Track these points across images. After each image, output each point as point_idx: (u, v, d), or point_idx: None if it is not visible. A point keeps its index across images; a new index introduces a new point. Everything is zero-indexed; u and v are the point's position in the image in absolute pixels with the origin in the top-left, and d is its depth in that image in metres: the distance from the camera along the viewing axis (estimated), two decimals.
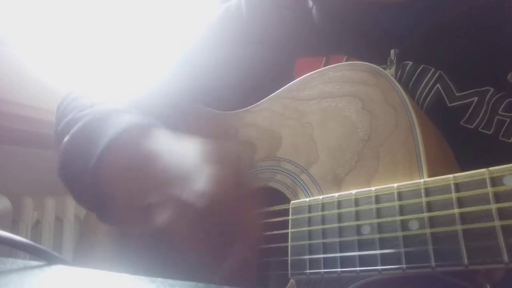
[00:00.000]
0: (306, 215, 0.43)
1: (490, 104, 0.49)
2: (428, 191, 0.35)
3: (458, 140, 0.47)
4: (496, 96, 0.49)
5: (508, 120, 0.48)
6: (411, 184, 0.37)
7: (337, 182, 0.44)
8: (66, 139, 0.46)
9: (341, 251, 0.39)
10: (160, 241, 0.34)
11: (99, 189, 0.43)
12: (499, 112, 0.49)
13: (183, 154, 0.40)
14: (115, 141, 0.43)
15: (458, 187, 0.34)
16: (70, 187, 0.49)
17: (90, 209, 0.47)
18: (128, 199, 0.39)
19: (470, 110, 0.50)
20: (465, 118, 0.50)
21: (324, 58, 0.59)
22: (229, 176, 0.37)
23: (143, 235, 0.35)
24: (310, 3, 0.65)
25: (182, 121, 0.67)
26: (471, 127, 0.50)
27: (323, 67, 0.53)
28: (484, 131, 0.49)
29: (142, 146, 0.42)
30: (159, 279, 0.25)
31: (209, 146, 0.40)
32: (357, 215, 0.39)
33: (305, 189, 0.46)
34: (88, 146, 0.44)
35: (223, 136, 0.60)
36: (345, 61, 0.56)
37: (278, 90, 0.55)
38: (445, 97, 0.51)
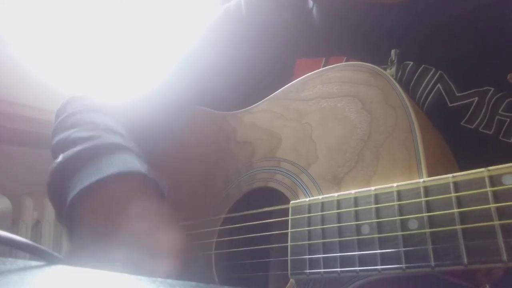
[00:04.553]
0: (306, 215, 0.43)
1: (491, 104, 0.49)
2: (427, 191, 0.35)
3: (458, 140, 0.47)
4: (496, 96, 0.49)
5: (508, 120, 0.48)
6: (411, 183, 0.37)
7: (337, 182, 0.44)
8: (58, 159, 0.48)
9: (340, 251, 0.39)
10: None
11: (72, 220, 0.46)
12: (499, 112, 0.49)
13: (157, 221, 0.44)
14: (99, 183, 0.44)
15: (457, 186, 0.34)
16: (52, 203, 0.52)
17: (65, 229, 0.49)
18: (92, 240, 0.42)
19: (471, 110, 0.50)
20: (466, 118, 0.50)
21: (324, 58, 0.59)
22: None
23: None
24: (310, 4, 0.65)
25: (182, 121, 0.68)
26: (472, 127, 0.50)
27: (322, 67, 0.53)
28: (484, 131, 0.49)
29: (122, 199, 0.44)
30: (159, 279, 0.26)
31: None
32: (357, 215, 0.39)
33: (305, 189, 0.46)
34: (75, 176, 0.46)
35: (221, 137, 0.60)
36: (345, 61, 0.56)
37: (278, 91, 0.55)
38: (445, 97, 0.51)
